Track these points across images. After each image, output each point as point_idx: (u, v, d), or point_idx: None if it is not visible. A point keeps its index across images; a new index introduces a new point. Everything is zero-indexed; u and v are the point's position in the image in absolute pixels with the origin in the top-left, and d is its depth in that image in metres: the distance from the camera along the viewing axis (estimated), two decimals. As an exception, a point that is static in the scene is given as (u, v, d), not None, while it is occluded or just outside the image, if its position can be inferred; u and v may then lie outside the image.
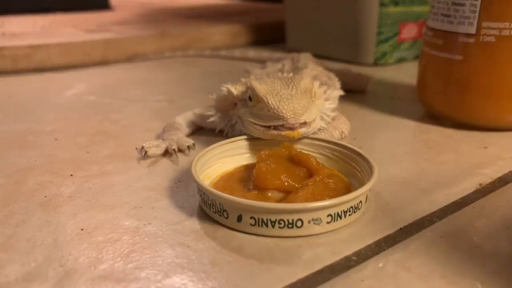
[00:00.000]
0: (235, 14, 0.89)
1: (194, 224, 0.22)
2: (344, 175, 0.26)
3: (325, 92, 0.32)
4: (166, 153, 0.31)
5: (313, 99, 0.28)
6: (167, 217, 0.23)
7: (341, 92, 0.37)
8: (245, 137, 0.28)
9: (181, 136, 0.32)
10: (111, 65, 0.60)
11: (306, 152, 0.26)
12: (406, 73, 0.53)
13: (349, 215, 0.22)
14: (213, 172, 0.26)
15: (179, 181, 0.27)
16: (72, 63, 0.59)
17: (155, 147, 0.30)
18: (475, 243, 0.21)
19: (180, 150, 0.31)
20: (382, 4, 0.54)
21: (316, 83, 0.30)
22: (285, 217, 0.20)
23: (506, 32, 0.30)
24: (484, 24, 0.31)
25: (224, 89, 0.31)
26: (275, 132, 0.26)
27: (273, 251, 0.20)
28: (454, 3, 0.32)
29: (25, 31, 0.68)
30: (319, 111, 0.29)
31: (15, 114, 0.40)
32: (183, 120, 0.35)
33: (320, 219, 0.21)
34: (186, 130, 0.34)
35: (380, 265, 0.19)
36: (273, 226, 0.21)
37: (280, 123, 0.26)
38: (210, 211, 0.23)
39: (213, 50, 0.67)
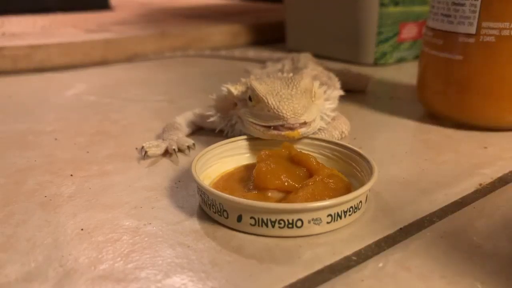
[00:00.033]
0: (235, 14, 0.89)
1: (194, 224, 0.22)
2: (344, 175, 0.26)
3: (325, 92, 0.32)
4: (166, 153, 0.31)
5: (313, 99, 0.28)
6: (167, 217, 0.23)
7: (341, 92, 0.37)
8: (245, 137, 0.28)
9: (181, 136, 0.32)
10: (111, 65, 0.60)
11: (306, 152, 0.26)
12: (406, 73, 0.53)
13: (349, 215, 0.22)
14: (213, 172, 0.26)
15: (179, 181, 0.27)
16: (72, 63, 0.59)
17: (155, 147, 0.30)
18: (475, 243, 0.21)
19: (180, 150, 0.31)
20: (382, 4, 0.54)
21: (316, 83, 0.30)
22: (285, 217, 0.20)
23: (506, 32, 0.30)
24: (484, 24, 0.31)
25: (224, 89, 0.31)
26: (275, 132, 0.26)
27: (273, 251, 0.20)
28: (454, 3, 0.32)
29: (25, 31, 0.68)
30: (319, 111, 0.29)
31: (15, 114, 0.40)
32: (183, 120, 0.35)
33: (320, 219, 0.21)
34: (186, 130, 0.34)
35: (380, 265, 0.19)
36: (273, 226, 0.21)
37: (280, 123, 0.26)
38: (210, 211, 0.23)
39: (213, 50, 0.67)
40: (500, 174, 0.27)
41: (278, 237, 0.21)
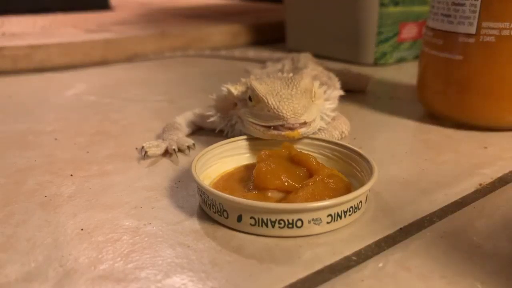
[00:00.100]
0: (235, 14, 0.89)
1: (194, 224, 0.22)
2: (344, 175, 0.26)
3: (325, 92, 0.32)
4: (166, 153, 0.31)
5: (313, 99, 0.28)
6: (167, 217, 0.23)
7: (341, 92, 0.37)
8: (245, 137, 0.28)
9: (181, 136, 0.32)
10: (111, 65, 0.60)
11: (306, 152, 0.26)
12: (406, 73, 0.53)
13: (349, 215, 0.22)
14: (213, 172, 0.26)
15: (179, 181, 0.27)
16: (72, 63, 0.59)
17: (155, 147, 0.30)
18: (475, 243, 0.21)
19: (180, 150, 0.31)
20: (382, 4, 0.54)
21: (316, 83, 0.30)
22: (285, 217, 0.20)
23: (506, 32, 0.30)
24: (484, 24, 0.31)
25: (224, 89, 0.31)
26: (275, 132, 0.26)
27: (273, 251, 0.20)
28: (454, 3, 0.32)
29: (25, 31, 0.68)
30: (319, 111, 0.29)
31: (15, 114, 0.40)
32: (183, 120, 0.35)
33: (320, 219, 0.21)
34: (186, 130, 0.34)
35: (380, 265, 0.19)
36: (273, 226, 0.21)
37: (280, 123, 0.26)
38: (210, 211, 0.23)
39: (213, 50, 0.67)
40: (500, 174, 0.27)
41: (278, 237, 0.21)
